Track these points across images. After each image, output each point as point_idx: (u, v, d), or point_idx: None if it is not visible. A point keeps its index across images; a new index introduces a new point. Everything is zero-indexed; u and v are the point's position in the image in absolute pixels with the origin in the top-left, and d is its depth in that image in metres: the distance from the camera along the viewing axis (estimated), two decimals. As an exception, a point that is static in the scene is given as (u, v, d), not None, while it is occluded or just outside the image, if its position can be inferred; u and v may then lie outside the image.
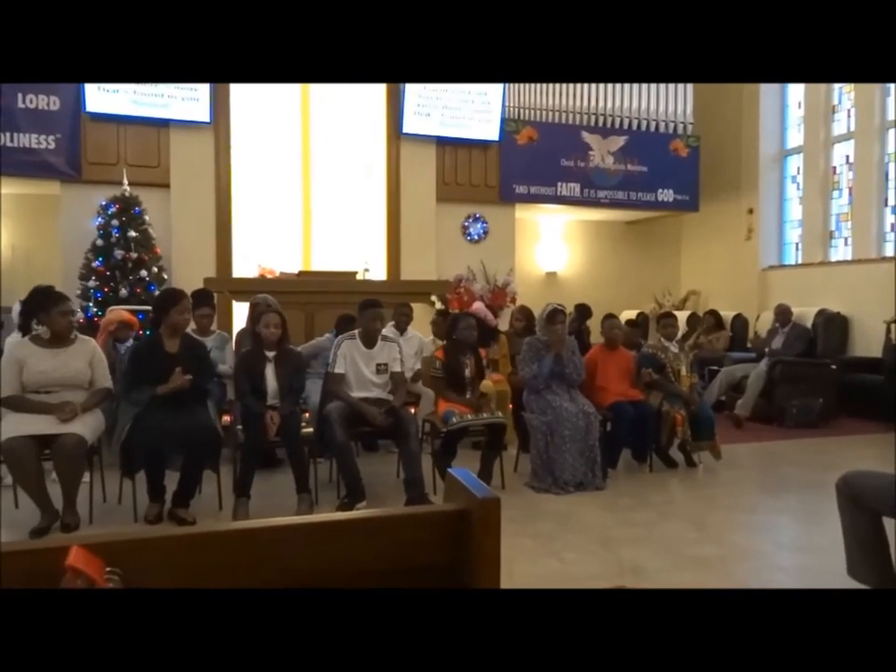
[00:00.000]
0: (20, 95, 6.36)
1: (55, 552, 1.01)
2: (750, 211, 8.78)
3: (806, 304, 7.36)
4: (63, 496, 3.47)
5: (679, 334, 5.34)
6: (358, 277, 6.25)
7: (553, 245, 9.44)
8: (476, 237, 8.02)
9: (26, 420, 3.44)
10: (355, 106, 7.47)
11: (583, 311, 6.68)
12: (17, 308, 4.79)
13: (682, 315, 7.45)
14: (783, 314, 7.00)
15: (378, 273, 7.23)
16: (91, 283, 5.97)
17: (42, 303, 3.59)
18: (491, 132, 7.71)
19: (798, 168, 8.55)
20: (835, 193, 8.06)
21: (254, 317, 4.21)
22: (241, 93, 7.11)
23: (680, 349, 4.99)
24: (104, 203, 6.19)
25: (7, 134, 6.33)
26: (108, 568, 1.02)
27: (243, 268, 6.97)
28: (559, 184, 8.15)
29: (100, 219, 6.15)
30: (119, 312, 5.12)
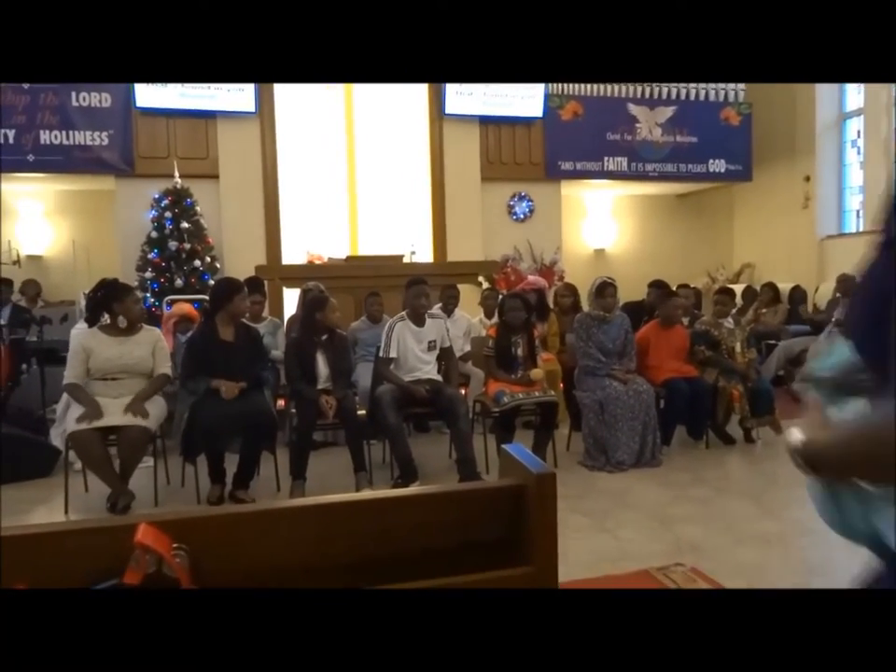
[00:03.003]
0: (73, 94, 6.55)
1: (124, 529, 1.05)
2: (807, 178, 8.45)
3: (869, 273, 7.06)
4: (119, 474, 3.61)
5: (734, 309, 5.19)
6: (405, 260, 6.27)
7: (600, 222, 9.27)
8: (522, 216, 7.94)
9: None
10: (397, 89, 7.45)
11: (661, 285, 5.70)
12: (82, 300, 4.98)
13: (738, 289, 7.25)
14: (846, 283, 6.73)
15: (425, 255, 7.23)
16: (148, 274, 6.14)
17: (115, 294, 3.73)
18: (534, 108, 7.60)
19: (858, 131, 8.17)
20: (899, 156, 7.69)
21: (310, 304, 4.19)
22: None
23: (736, 324, 4.86)
24: (156, 195, 6.35)
25: (64, 132, 6.54)
26: (175, 545, 1.06)
27: (292, 255, 7.06)
28: (606, 158, 7.99)
29: (154, 212, 6.31)
30: (180, 306, 5.26)
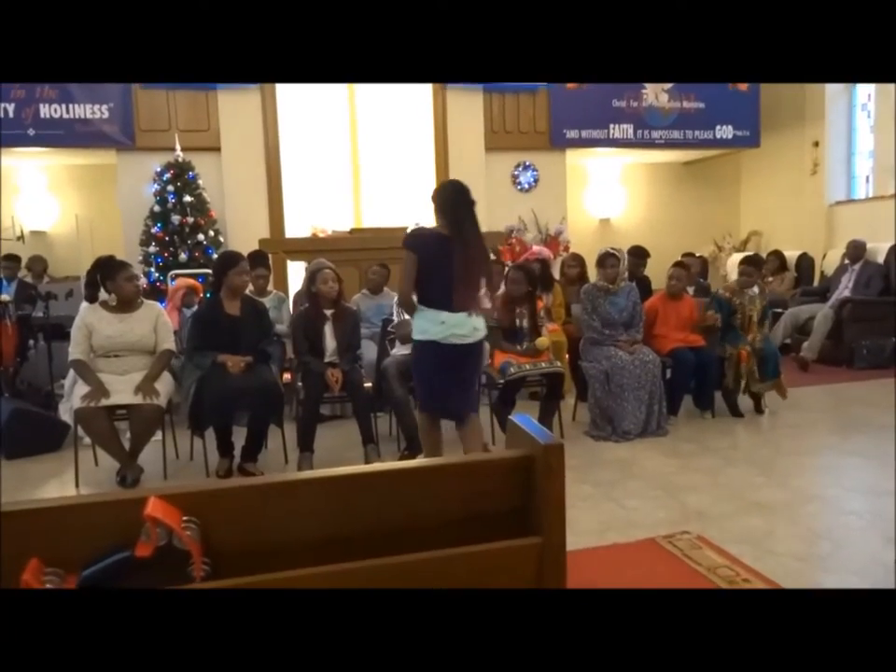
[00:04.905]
0: (72, 67, 6.47)
1: (134, 503, 1.05)
2: (816, 144, 8.32)
3: (878, 240, 6.99)
4: (129, 450, 3.66)
5: (759, 279, 5.15)
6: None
7: (606, 191, 9.17)
8: (526, 186, 7.85)
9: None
10: (399, 57, 7.33)
11: (638, 253, 5.84)
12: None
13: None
14: (856, 249, 6.66)
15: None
16: (152, 248, 6.11)
17: (107, 272, 3.72)
18: (539, 75, 7.47)
19: (869, 95, 8.02)
20: (910, 120, 7.55)
21: (307, 279, 4.25)
22: (284, 51, 7.05)
23: (759, 293, 4.82)
24: (158, 169, 6.29)
25: (64, 106, 6.47)
26: (185, 517, 1.06)
27: (295, 228, 7.02)
28: (611, 126, 7.87)
29: (156, 186, 6.26)
30: (184, 279, 5.26)
